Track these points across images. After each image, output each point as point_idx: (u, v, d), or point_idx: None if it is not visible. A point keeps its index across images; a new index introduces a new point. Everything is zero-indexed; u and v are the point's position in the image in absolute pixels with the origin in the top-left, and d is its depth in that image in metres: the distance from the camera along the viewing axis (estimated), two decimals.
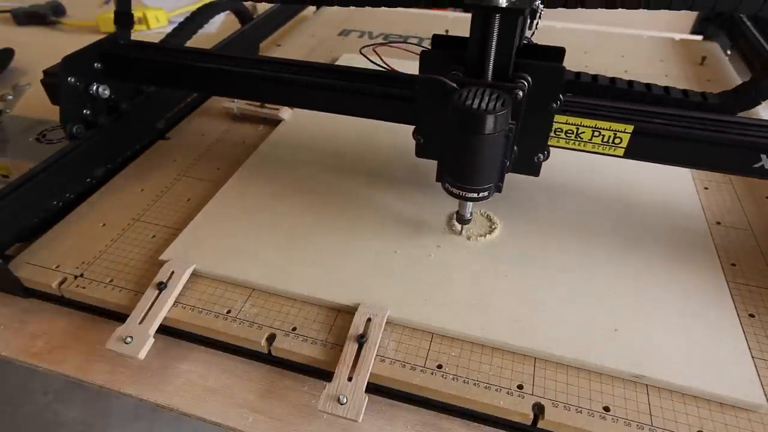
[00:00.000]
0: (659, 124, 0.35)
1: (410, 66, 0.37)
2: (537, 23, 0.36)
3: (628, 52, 0.74)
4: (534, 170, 0.38)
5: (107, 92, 0.48)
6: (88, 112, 0.47)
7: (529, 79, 0.33)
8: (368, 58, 0.38)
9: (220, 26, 0.86)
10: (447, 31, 0.80)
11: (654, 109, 0.36)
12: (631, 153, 0.36)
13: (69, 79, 0.45)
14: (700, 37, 0.79)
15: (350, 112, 0.43)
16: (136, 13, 0.82)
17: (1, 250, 0.41)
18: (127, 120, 0.51)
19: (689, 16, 0.86)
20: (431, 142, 0.39)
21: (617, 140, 0.36)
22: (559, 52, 0.34)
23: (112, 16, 0.81)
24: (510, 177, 0.39)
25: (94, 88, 0.47)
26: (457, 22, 0.85)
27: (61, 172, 0.44)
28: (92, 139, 0.47)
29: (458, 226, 0.41)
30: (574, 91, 0.43)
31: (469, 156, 0.34)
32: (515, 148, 0.37)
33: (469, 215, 0.40)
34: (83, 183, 0.47)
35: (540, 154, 0.37)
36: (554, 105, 0.34)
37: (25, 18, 0.88)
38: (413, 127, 0.39)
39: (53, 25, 0.88)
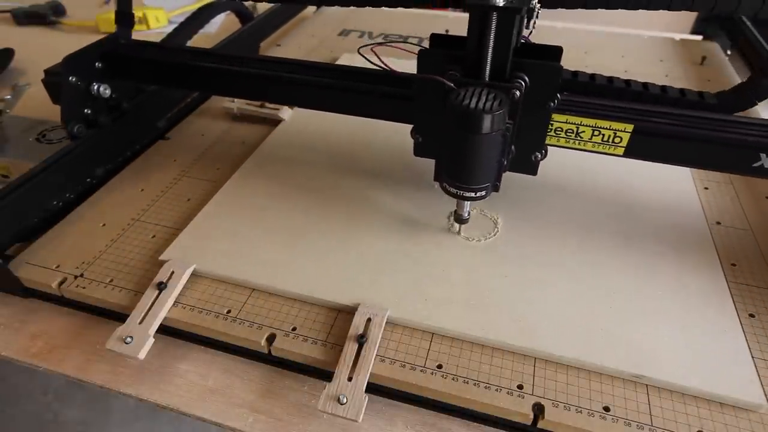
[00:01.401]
0: (659, 123, 0.35)
1: (410, 65, 0.37)
2: (534, 23, 0.36)
3: (629, 52, 0.74)
4: (532, 169, 0.38)
5: (108, 92, 0.48)
6: (89, 112, 0.48)
7: (526, 78, 0.34)
8: (366, 58, 0.38)
9: (220, 26, 0.86)
10: (447, 30, 0.80)
11: (654, 108, 0.36)
12: (630, 152, 0.37)
13: (70, 78, 0.45)
14: (700, 37, 0.79)
15: (350, 111, 0.43)
16: (136, 13, 0.82)
17: (1, 250, 0.41)
18: (128, 119, 0.51)
19: (689, 16, 0.86)
20: (430, 141, 0.39)
21: (617, 139, 0.36)
22: (556, 52, 0.34)
23: (112, 16, 0.82)
24: (510, 177, 0.39)
25: (95, 87, 0.47)
26: (458, 22, 0.85)
27: (61, 171, 0.44)
28: (93, 139, 0.48)
29: (456, 226, 0.41)
30: (573, 90, 0.44)
31: (466, 155, 0.34)
32: (513, 147, 0.37)
33: (467, 215, 0.40)
34: (83, 183, 0.47)
35: (538, 153, 0.37)
36: (551, 104, 0.35)
37: (25, 18, 0.88)
38: (412, 126, 0.39)
39: (53, 25, 0.88)
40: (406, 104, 0.39)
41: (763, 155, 0.34)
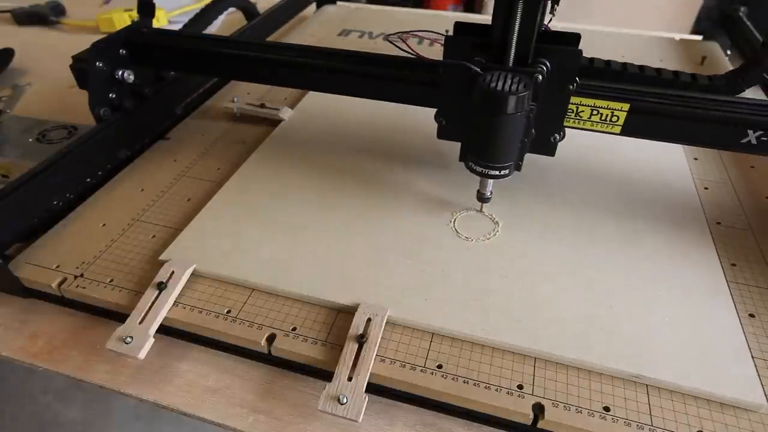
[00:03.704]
0: (653, 102, 0.38)
1: (429, 54, 0.39)
2: (556, 8, 0.38)
3: (629, 51, 0.74)
4: (550, 150, 0.40)
5: (132, 77, 0.50)
6: (114, 96, 0.50)
7: (548, 64, 0.36)
8: (396, 45, 0.41)
9: (220, 26, 0.86)
10: (447, 31, 0.80)
11: (648, 89, 0.38)
12: (627, 130, 0.39)
13: (97, 63, 0.47)
14: (700, 37, 0.79)
15: (373, 95, 0.46)
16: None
17: (1, 250, 0.41)
18: (150, 105, 0.54)
19: (689, 16, 0.86)
20: (453, 124, 0.41)
21: (614, 118, 0.38)
22: (575, 38, 0.36)
23: (112, 16, 0.83)
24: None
25: (120, 73, 0.49)
26: None
27: (88, 154, 0.47)
28: (117, 122, 0.50)
29: (455, 223, 0.42)
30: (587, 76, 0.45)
31: (492, 135, 0.36)
32: (533, 129, 0.39)
33: (489, 193, 0.42)
34: (105, 167, 0.49)
35: (556, 134, 0.39)
36: (571, 87, 0.37)
37: (25, 18, 0.89)
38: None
39: (53, 25, 0.88)
40: (429, 89, 0.41)
41: (750, 131, 0.36)
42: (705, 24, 0.80)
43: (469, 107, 0.36)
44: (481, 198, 0.42)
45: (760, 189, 0.47)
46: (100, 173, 0.49)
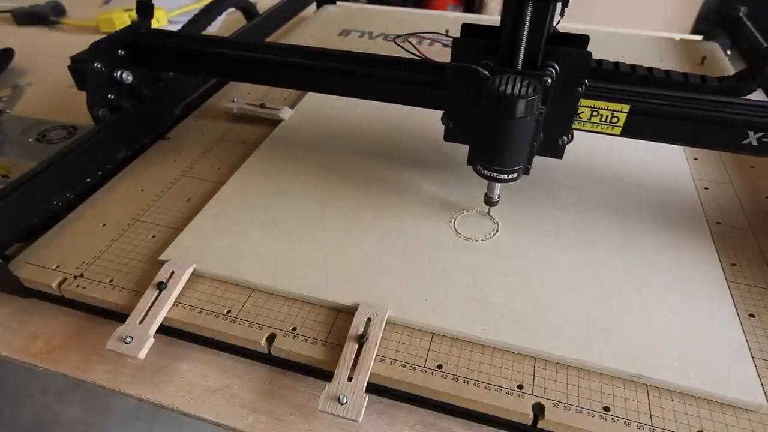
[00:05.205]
0: (654, 104, 0.38)
1: (430, 54, 0.39)
2: (565, 10, 0.37)
3: (629, 51, 0.74)
4: (558, 152, 0.40)
5: (130, 78, 0.50)
6: (113, 97, 0.50)
7: (557, 66, 0.35)
8: (403, 48, 0.41)
9: (220, 26, 0.86)
10: (447, 30, 0.80)
11: (649, 90, 0.38)
12: (627, 131, 0.39)
13: (95, 64, 0.47)
14: (700, 37, 0.79)
15: (377, 97, 0.45)
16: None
17: (1, 250, 0.41)
18: (149, 105, 0.53)
19: (689, 16, 0.86)
20: (460, 126, 0.40)
21: (614, 119, 0.38)
22: (583, 39, 0.36)
23: (112, 16, 0.83)
24: None
25: (118, 73, 0.49)
26: (458, 22, 0.85)
27: (86, 155, 0.46)
28: (116, 123, 0.50)
29: (456, 226, 0.42)
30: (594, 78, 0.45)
31: (501, 139, 0.36)
32: (541, 132, 0.38)
33: (497, 197, 0.41)
34: (105, 167, 0.49)
35: (564, 137, 0.39)
36: (580, 89, 0.36)
37: (25, 18, 0.89)
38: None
39: (53, 25, 0.88)
40: (435, 91, 0.41)
41: (750, 133, 0.36)
42: (705, 24, 0.80)
43: (477, 110, 0.36)
44: (489, 201, 0.42)
45: (760, 189, 0.47)
46: (100, 173, 0.49)
